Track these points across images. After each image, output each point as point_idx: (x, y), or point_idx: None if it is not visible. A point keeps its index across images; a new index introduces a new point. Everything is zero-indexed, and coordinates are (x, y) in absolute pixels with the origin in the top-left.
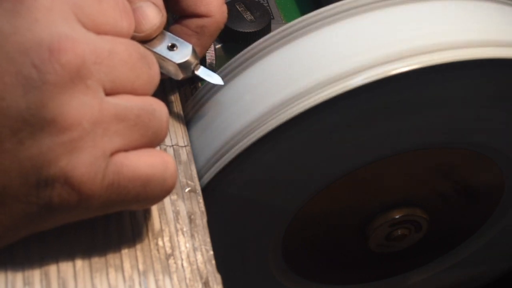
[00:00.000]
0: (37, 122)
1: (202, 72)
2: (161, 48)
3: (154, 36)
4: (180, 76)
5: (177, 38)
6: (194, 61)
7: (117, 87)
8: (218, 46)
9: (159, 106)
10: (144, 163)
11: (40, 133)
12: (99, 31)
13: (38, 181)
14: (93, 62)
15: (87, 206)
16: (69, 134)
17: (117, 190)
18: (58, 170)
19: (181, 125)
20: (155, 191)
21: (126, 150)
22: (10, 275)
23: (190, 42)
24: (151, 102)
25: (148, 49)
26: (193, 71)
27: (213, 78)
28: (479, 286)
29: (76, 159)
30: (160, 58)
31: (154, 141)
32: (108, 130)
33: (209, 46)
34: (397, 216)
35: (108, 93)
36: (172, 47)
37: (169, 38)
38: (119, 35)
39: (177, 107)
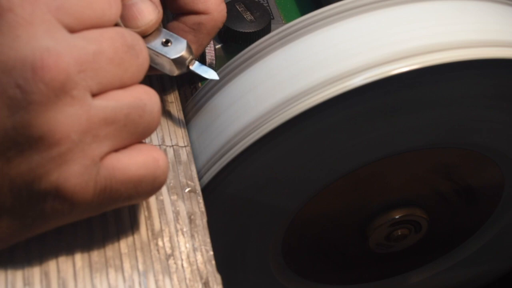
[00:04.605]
0: (24, 141)
1: (197, 68)
2: (156, 43)
3: (150, 32)
4: (175, 71)
5: (172, 34)
6: (188, 57)
7: (105, 87)
8: (218, 46)
9: (149, 98)
10: (136, 164)
11: (28, 150)
12: (85, 26)
13: (30, 196)
14: (77, 71)
15: (80, 212)
16: (58, 149)
17: (109, 194)
18: (49, 185)
19: (181, 125)
20: (146, 190)
21: (116, 150)
22: (10, 275)
23: (186, 39)
24: (141, 97)
25: None
26: (188, 67)
27: (208, 73)
28: (479, 286)
29: (66, 171)
30: (154, 54)
31: (145, 134)
32: (97, 136)
33: (207, 44)
34: (397, 216)
35: (95, 94)
36: (166, 43)
37: (164, 34)
38: (107, 24)
39: (177, 107)
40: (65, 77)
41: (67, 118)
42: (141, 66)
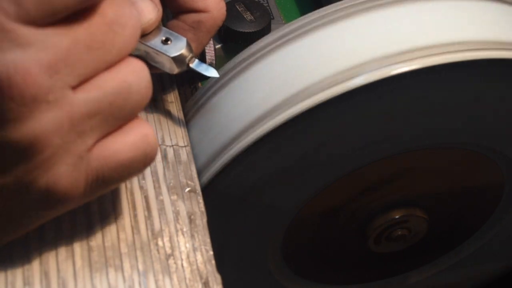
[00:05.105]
0: (7, 156)
1: (197, 66)
2: (155, 42)
3: (150, 31)
4: (175, 70)
5: (172, 32)
6: (188, 55)
7: (86, 76)
8: (218, 46)
9: (134, 76)
10: (125, 146)
11: (12, 163)
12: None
13: (21, 202)
14: (50, 76)
15: (75, 204)
16: (42, 155)
17: (102, 182)
18: (39, 190)
19: (181, 125)
20: (138, 168)
21: (104, 136)
22: (10, 275)
23: (186, 37)
24: (126, 78)
25: (143, 43)
26: (187, 65)
27: (208, 71)
28: (479, 286)
29: (54, 174)
30: (154, 52)
31: (133, 114)
32: (82, 132)
33: (206, 43)
34: (397, 216)
35: (77, 86)
36: (166, 41)
37: (163, 33)
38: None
39: (177, 107)
40: (36, 89)
41: (47, 124)
42: (128, 37)
